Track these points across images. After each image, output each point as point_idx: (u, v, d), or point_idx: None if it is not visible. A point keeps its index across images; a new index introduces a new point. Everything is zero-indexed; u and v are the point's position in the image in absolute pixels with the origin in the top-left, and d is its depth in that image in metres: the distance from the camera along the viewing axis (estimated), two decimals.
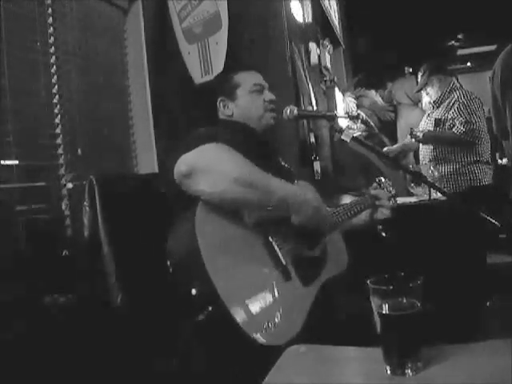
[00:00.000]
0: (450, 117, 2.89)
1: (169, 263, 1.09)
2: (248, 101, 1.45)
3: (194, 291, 1.02)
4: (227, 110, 1.47)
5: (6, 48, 1.65)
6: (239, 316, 0.98)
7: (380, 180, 1.57)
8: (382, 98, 4.65)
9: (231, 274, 1.03)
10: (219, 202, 1.08)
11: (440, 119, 2.95)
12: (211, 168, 1.08)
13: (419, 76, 3.20)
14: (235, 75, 1.48)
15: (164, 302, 1.14)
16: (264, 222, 1.14)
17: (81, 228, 1.29)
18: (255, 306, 1.01)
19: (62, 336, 1.36)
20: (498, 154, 4.21)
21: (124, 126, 2.35)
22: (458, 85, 3.05)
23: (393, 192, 1.57)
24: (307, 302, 1.14)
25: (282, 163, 1.52)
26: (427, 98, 3.16)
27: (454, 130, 2.83)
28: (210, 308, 1.01)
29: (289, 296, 1.10)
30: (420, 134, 2.94)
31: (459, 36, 5.96)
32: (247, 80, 1.47)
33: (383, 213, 1.50)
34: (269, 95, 1.47)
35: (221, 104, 1.48)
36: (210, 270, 0.99)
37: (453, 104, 2.90)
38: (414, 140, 3.03)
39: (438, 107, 3.03)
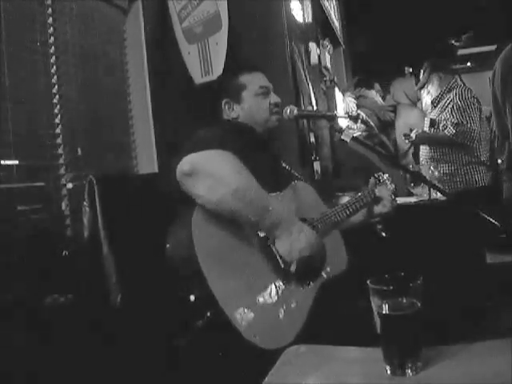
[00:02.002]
0: (443, 117, 2.89)
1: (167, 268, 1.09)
2: (254, 104, 1.42)
3: (192, 297, 1.02)
4: (232, 112, 1.44)
5: (6, 48, 1.65)
6: (238, 321, 0.97)
7: (379, 176, 1.56)
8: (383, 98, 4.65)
9: (229, 278, 1.03)
10: (214, 209, 1.07)
11: (435, 120, 2.95)
12: (213, 174, 1.08)
13: (421, 74, 3.19)
14: (240, 76, 1.45)
15: (164, 303, 1.14)
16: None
17: (81, 228, 1.29)
18: (254, 310, 1.01)
19: (61, 336, 1.36)
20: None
21: (124, 125, 2.35)
22: (460, 83, 3.04)
23: (392, 187, 1.55)
24: (307, 303, 1.14)
25: (283, 165, 1.52)
26: (428, 97, 3.16)
27: (445, 131, 2.83)
28: (209, 313, 1.01)
29: (288, 298, 1.10)
30: (413, 135, 2.94)
31: (460, 36, 5.95)
32: (253, 82, 1.44)
33: (384, 205, 1.49)
34: (275, 98, 1.45)
35: (226, 106, 1.44)
36: (207, 274, 0.99)
37: (448, 104, 2.90)
38: (407, 141, 3.04)
39: (435, 107, 3.03)
